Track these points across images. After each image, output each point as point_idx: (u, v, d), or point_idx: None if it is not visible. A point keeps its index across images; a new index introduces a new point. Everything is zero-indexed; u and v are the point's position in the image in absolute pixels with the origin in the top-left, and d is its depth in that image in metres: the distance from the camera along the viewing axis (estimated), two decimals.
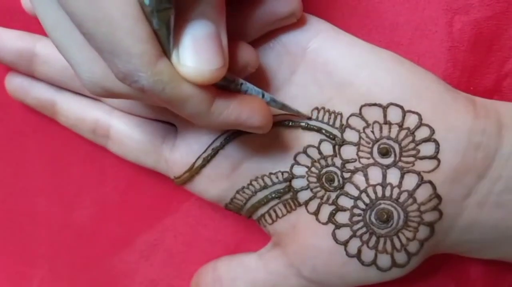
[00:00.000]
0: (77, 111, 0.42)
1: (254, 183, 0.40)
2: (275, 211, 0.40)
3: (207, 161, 0.40)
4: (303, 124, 0.38)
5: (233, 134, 0.39)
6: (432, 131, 0.36)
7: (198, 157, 0.40)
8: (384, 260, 0.37)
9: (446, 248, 0.38)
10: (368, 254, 0.37)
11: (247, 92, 0.33)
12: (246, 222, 0.44)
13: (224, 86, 0.32)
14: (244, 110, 0.32)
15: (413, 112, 0.36)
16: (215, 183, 0.40)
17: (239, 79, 0.33)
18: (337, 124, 0.38)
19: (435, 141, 0.36)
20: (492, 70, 0.40)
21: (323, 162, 0.38)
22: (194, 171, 0.40)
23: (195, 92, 0.30)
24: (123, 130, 0.41)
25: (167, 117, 0.41)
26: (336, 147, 0.38)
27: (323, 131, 0.38)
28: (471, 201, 0.36)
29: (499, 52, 0.40)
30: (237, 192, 0.40)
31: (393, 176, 0.37)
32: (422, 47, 0.40)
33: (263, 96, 0.35)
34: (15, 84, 0.42)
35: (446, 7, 0.40)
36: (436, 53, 0.40)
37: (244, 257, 0.42)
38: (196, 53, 0.28)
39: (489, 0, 0.40)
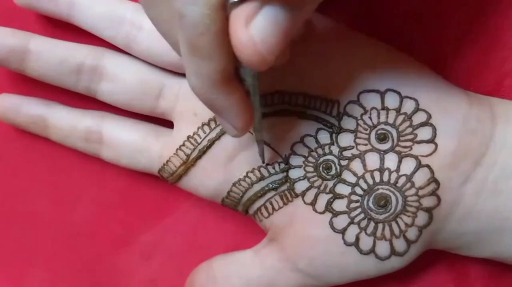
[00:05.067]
0: (69, 120, 0.40)
1: (250, 174, 0.37)
2: (271, 204, 0.37)
3: (203, 152, 0.37)
4: (300, 113, 0.36)
5: None
6: (429, 116, 0.35)
7: (194, 149, 0.38)
8: (382, 247, 0.35)
9: (444, 241, 0.36)
10: (366, 242, 0.35)
11: (251, 99, 0.30)
12: (246, 223, 0.42)
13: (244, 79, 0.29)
14: (234, 110, 0.29)
15: (410, 98, 0.35)
16: (211, 175, 0.38)
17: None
18: (334, 112, 0.36)
19: (432, 125, 0.34)
20: (492, 69, 0.39)
21: (320, 151, 0.36)
22: (189, 163, 0.38)
23: (225, 66, 0.26)
24: (116, 131, 0.39)
25: (162, 109, 0.39)
26: (333, 135, 0.36)
27: (320, 120, 0.36)
28: (468, 189, 0.34)
29: (499, 52, 0.39)
30: (234, 184, 0.38)
31: (391, 161, 0.35)
32: (422, 46, 0.39)
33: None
34: (5, 105, 0.40)
35: None
36: (436, 52, 0.39)
37: (239, 254, 0.39)
38: (271, 32, 0.24)
39: (490, 0, 0.38)
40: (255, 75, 0.28)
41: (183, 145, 0.38)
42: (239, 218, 0.41)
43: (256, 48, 0.23)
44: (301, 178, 0.36)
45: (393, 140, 0.35)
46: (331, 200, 0.35)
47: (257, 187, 0.37)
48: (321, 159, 0.36)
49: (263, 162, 0.37)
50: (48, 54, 0.38)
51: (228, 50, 0.24)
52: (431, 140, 0.34)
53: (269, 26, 0.23)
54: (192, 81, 0.27)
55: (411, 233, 0.34)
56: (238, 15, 0.23)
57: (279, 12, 0.23)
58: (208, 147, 0.37)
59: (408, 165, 0.34)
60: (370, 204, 0.35)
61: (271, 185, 0.37)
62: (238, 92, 0.28)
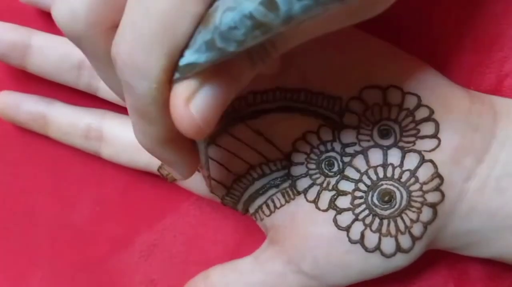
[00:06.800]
0: (69, 117, 0.39)
1: (251, 171, 0.36)
2: (273, 201, 0.36)
3: None
4: (301, 109, 0.36)
5: (229, 123, 0.36)
6: (432, 111, 0.34)
7: None
8: (388, 244, 0.34)
9: (447, 239, 0.35)
10: (371, 239, 0.34)
11: (198, 147, 0.31)
12: (246, 222, 0.41)
13: None
14: (179, 162, 0.30)
15: (412, 94, 0.34)
16: (212, 172, 0.37)
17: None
18: (336, 108, 0.35)
19: (435, 120, 0.34)
20: (492, 70, 0.39)
21: (322, 147, 0.35)
22: None
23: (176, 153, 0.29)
24: (116, 129, 0.39)
25: None
26: (335, 131, 0.35)
27: (322, 116, 0.35)
28: (471, 185, 0.34)
29: (500, 52, 0.38)
30: (234, 181, 0.37)
31: (394, 156, 0.34)
32: (422, 46, 0.38)
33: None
34: (5, 101, 0.39)
35: None
36: (436, 52, 0.39)
37: (238, 262, 0.38)
38: (209, 109, 0.24)
39: None
40: None
41: None
42: (239, 218, 0.40)
43: (195, 123, 0.24)
44: (303, 175, 0.35)
45: (396, 135, 0.34)
46: (335, 197, 0.34)
47: (258, 184, 0.36)
48: (324, 156, 0.35)
49: (211, 192, 0.37)
50: (49, 50, 0.38)
51: None
52: (434, 135, 0.34)
53: (208, 104, 0.24)
54: (139, 139, 0.28)
55: (416, 229, 0.33)
56: (179, 93, 0.24)
57: (218, 89, 0.24)
58: (209, 143, 0.36)
59: (411, 160, 0.34)
60: (375, 200, 0.34)
61: (272, 182, 0.36)
62: (183, 147, 0.29)
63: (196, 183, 0.38)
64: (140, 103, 0.25)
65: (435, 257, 0.39)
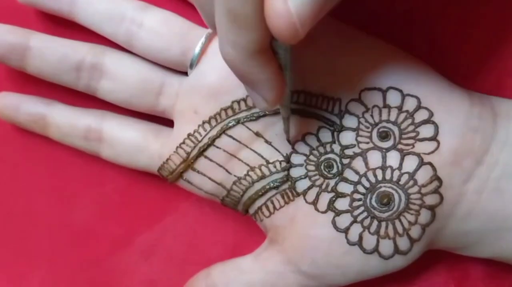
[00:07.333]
0: (69, 118, 0.39)
1: (251, 173, 0.36)
2: (272, 203, 0.36)
3: (203, 150, 0.37)
4: (301, 111, 0.35)
5: (229, 123, 0.36)
6: (431, 113, 0.34)
7: (194, 147, 0.37)
8: (386, 246, 0.33)
9: (446, 240, 0.35)
10: (369, 241, 0.34)
11: (284, 71, 0.29)
12: (246, 223, 0.41)
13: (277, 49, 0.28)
14: (268, 82, 0.28)
15: (412, 96, 0.34)
16: (211, 174, 0.37)
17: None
18: (336, 110, 0.35)
19: (434, 123, 0.34)
20: (493, 69, 0.39)
21: (321, 149, 0.35)
22: (189, 161, 0.37)
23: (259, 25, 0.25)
24: (116, 130, 0.38)
25: (162, 107, 0.38)
26: (335, 133, 0.35)
27: (322, 118, 0.35)
28: (470, 187, 0.33)
29: (500, 52, 0.38)
30: (234, 183, 0.37)
31: (393, 159, 0.34)
32: (422, 46, 0.38)
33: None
34: (5, 103, 0.39)
35: None
36: (436, 52, 0.38)
37: (239, 260, 0.38)
38: (308, 6, 0.23)
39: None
40: (288, 49, 0.27)
41: (183, 143, 0.37)
42: (239, 218, 0.40)
43: (291, 20, 0.22)
44: (303, 176, 0.35)
45: (395, 138, 0.34)
46: (333, 199, 0.34)
47: (258, 186, 0.36)
48: (323, 158, 0.35)
49: (288, 139, 0.35)
50: (49, 51, 0.37)
51: None
52: (433, 138, 0.33)
53: (308, 1, 0.22)
54: (228, 52, 0.26)
55: (415, 232, 0.33)
56: None
57: None
58: (209, 145, 0.36)
59: (410, 163, 0.33)
60: (373, 202, 0.34)
61: (272, 184, 0.36)
62: (272, 64, 0.27)
63: (196, 182, 0.38)
64: (237, 3, 0.24)
65: (436, 257, 0.39)
